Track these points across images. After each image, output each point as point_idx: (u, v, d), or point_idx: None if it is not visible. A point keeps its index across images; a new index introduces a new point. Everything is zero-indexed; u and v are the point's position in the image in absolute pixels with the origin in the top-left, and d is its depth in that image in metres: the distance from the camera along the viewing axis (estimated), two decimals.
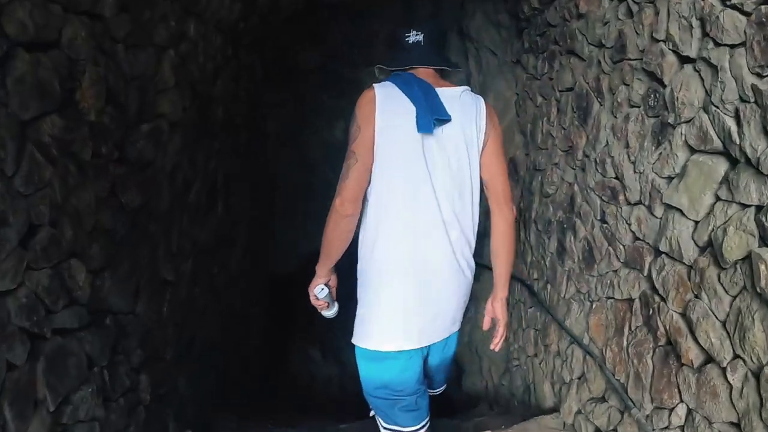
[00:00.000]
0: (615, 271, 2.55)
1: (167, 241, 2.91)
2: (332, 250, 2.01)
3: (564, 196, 3.12)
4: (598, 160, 2.67)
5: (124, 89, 2.39)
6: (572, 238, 3.01)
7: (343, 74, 4.99)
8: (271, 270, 5.19)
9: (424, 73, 2.06)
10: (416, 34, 2.08)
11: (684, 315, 1.96)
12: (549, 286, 3.42)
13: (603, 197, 2.62)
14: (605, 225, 2.61)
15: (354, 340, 2.06)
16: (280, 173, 5.08)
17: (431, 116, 1.88)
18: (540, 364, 3.50)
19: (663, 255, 2.10)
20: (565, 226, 3.11)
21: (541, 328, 3.54)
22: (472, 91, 2.09)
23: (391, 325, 1.99)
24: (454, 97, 1.98)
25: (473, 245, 2.11)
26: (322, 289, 2.12)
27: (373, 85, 2.05)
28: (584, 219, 2.86)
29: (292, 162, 5.05)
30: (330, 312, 2.21)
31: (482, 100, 2.06)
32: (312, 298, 2.15)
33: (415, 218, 1.93)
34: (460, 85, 2.08)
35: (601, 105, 2.65)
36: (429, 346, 2.08)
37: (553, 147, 3.28)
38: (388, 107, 1.93)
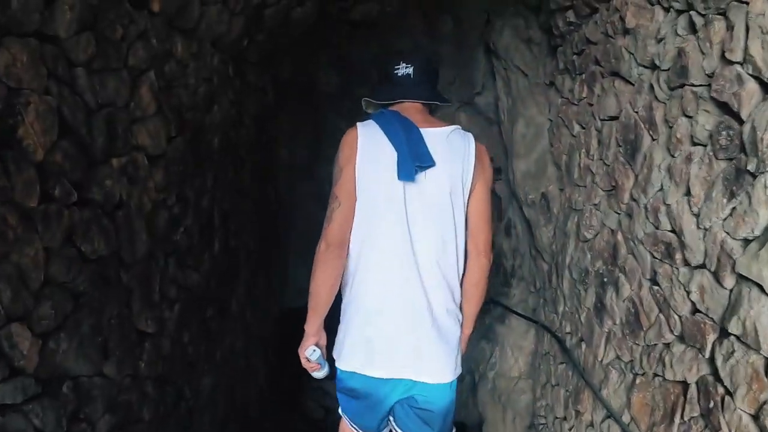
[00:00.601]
0: (667, 345, 2.09)
1: (145, 290, 2.55)
2: (320, 300, 1.99)
3: (605, 244, 2.67)
4: (649, 206, 2.21)
5: (85, 121, 2.04)
6: (614, 295, 2.55)
7: (363, 95, 4.60)
8: (283, 306, 4.82)
9: (412, 108, 2.02)
10: (406, 67, 2.02)
11: (757, 419, 1.51)
12: (584, 345, 2.96)
13: (655, 253, 2.16)
14: (656, 287, 2.15)
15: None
16: (293, 206, 4.72)
17: (413, 163, 1.83)
18: (570, 430, 3.04)
19: (732, 338, 1.64)
20: (605, 279, 2.65)
21: (572, 390, 3.07)
22: (461, 129, 2.05)
23: (355, 348, 1.96)
24: (440, 137, 1.94)
25: (457, 292, 2.03)
26: (314, 350, 2.07)
27: (357, 124, 2.01)
28: (630, 275, 2.40)
29: (306, 194, 4.68)
30: (321, 373, 2.16)
31: (472, 139, 2.01)
32: (303, 361, 2.11)
33: (391, 265, 1.90)
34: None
35: (654, 140, 2.21)
36: (411, 393, 2.01)
37: (593, 185, 2.83)
38: (369, 151, 1.89)
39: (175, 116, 2.70)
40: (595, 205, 2.81)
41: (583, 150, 2.99)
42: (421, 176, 1.87)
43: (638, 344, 2.35)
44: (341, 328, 2.04)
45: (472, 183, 1.95)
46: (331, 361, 2.10)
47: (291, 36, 3.97)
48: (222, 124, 3.31)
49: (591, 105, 2.92)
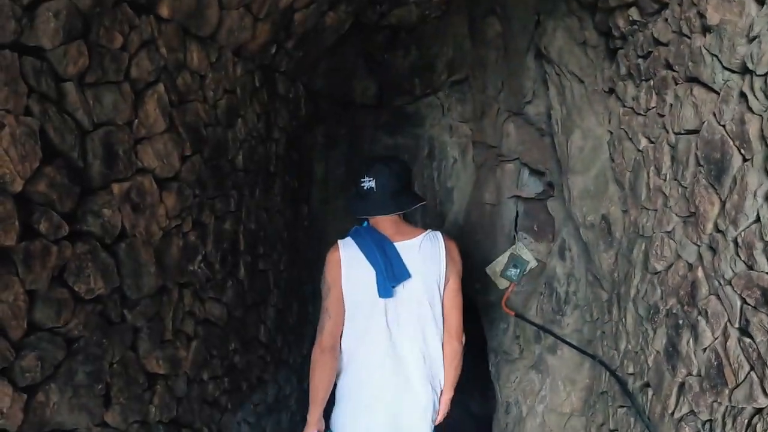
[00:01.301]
0: (759, 411, 1.71)
1: (155, 328, 2.30)
2: (318, 394, 2.38)
3: (680, 279, 2.28)
4: (741, 241, 1.82)
5: (76, 143, 1.79)
6: (691, 341, 2.16)
7: (402, 107, 4.31)
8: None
9: (383, 222, 2.32)
10: (369, 180, 2.29)
11: None
12: (650, 392, 2.57)
13: (748, 298, 1.77)
14: (748, 339, 1.76)
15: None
16: (327, 223, 4.43)
17: (390, 283, 2.16)
18: None
19: None
20: (680, 321, 2.26)
21: None
22: (432, 232, 2.37)
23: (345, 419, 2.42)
24: (413, 249, 2.25)
25: (441, 380, 2.42)
26: None
27: (338, 242, 2.38)
28: (713, 321, 2.01)
29: (341, 210, 4.39)
30: None
31: (441, 241, 2.30)
32: None
33: (379, 363, 2.29)
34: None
35: (747, 160, 1.82)
36: None
37: (665, 209, 2.44)
38: (351, 273, 2.25)
39: (190, 133, 2.45)
40: (668, 232, 2.42)
41: (653, 167, 2.60)
42: (399, 288, 2.21)
43: (721, 403, 1.96)
44: (337, 413, 2.47)
45: (445, 279, 2.28)
46: None
47: (324, 43, 3.70)
48: (247, 140, 3.05)
49: (661, 116, 2.53)
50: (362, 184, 2.30)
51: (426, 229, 2.39)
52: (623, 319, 2.94)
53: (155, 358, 2.32)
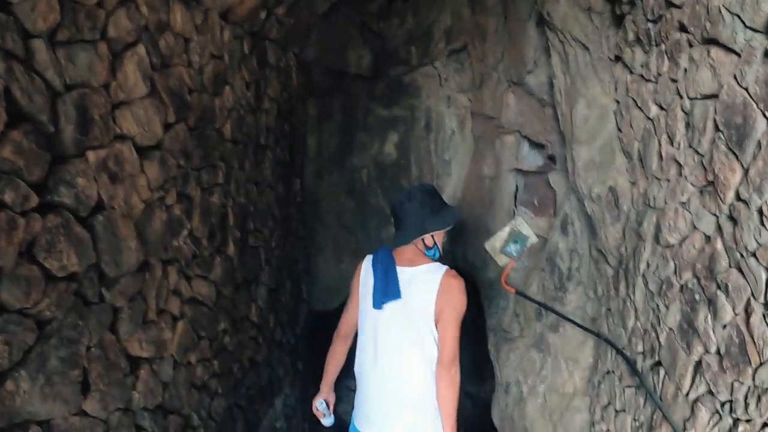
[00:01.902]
0: None
1: (137, 308, 2.15)
2: (329, 372, 2.72)
3: (696, 252, 2.14)
4: (765, 210, 1.69)
5: (46, 105, 1.63)
6: (710, 317, 2.03)
7: (398, 77, 4.13)
8: (313, 309, 4.41)
9: (403, 249, 2.52)
10: (395, 216, 2.53)
11: None
12: (662, 371, 2.46)
13: None
14: None
15: None
16: (321, 199, 4.28)
17: (381, 297, 2.43)
18: None
19: None
20: (697, 297, 2.13)
21: (644, 422, 2.58)
22: (440, 265, 2.54)
23: (358, 416, 2.61)
24: (412, 275, 2.46)
25: (421, 409, 2.55)
26: (321, 402, 2.72)
27: (366, 256, 2.62)
28: (734, 295, 1.88)
29: (336, 186, 4.24)
30: (326, 421, 2.76)
31: (441, 273, 2.47)
32: (314, 409, 2.74)
33: (371, 367, 2.53)
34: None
35: None
36: None
37: (679, 179, 2.30)
38: (364, 282, 2.55)
39: (173, 99, 2.28)
40: (683, 203, 2.28)
41: (665, 136, 2.46)
42: (390, 305, 2.42)
43: (743, 382, 1.84)
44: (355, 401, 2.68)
45: (435, 309, 2.40)
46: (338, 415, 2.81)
47: (316, 11, 3.51)
48: (236, 109, 2.88)
49: (675, 81, 2.38)
50: (395, 214, 2.53)
51: (439, 262, 2.57)
52: (631, 296, 2.81)
53: (138, 340, 2.18)
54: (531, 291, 3.85)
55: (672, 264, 2.39)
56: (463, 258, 4.21)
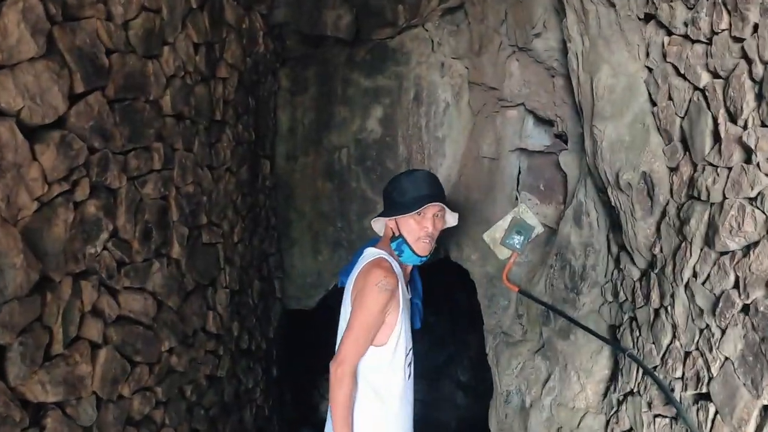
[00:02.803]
0: None
1: (33, 344, 1.60)
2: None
3: None
4: None
5: None
6: None
7: (382, 41, 3.55)
8: (286, 308, 3.88)
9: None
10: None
11: None
12: (711, 408, 1.98)
13: None
14: None
15: None
16: (294, 185, 3.71)
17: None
18: None
19: None
20: None
21: None
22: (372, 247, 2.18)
23: None
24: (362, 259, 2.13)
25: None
26: None
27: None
28: None
29: (311, 168, 3.67)
30: None
31: (366, 260, 2.07)
32: None
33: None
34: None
35: None
36: None
37: (747, 167, 1.77)
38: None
39: (81, 62, 1.71)
40: (751, 199, 1.76)
41: (722, 111, 1.93)
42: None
43: None
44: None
45: (351, 298, 2.04)
46: None
47: None
48: (179, 77, 2.31)
49: (739, 40, 1.85)
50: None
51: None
52: (668, 308, 2.30)
53: (39, 382, 1.64)
54: (537, 290, 3.34)
55: (733, 276, 1.88)
56: (458, 250, 3.69)
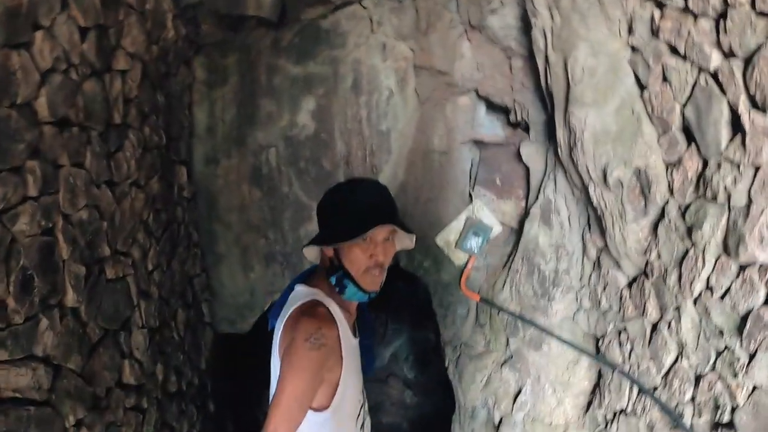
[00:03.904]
0: None
1: None
2: None
3: None
4: None
5: None
6: None
7: (314, 21, 3.07)
8: (217, 333, 3.36)
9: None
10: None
11: None
12: None
13: None
14: None
15: None
16: (216, 193, 3.17)
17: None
18: None
19: None
20: None
21: None
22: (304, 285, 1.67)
23: None
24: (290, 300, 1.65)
25: None
26: None
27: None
28: None
29: (235, 173, 3.15)
30: None
31: (293, 303, 1.58)
32: None
33: None
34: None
35: None
36: None
37: None
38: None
39: None
40: None
41: (743, 97, 1.61)
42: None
43: None
44: None
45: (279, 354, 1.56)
46: None
47: None
48: (58, 71, 1.76)
49: (763, 15, 1.53)
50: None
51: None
52: (671, 323, 2.00)
53: None
54: (501, 298, 3.00)
55: (764, 293, 1.57)
56: (408, 257, 3.29)
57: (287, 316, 1.55)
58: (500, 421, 3.16)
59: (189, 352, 2.95)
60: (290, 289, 1.68)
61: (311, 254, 1.70)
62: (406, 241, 1.72)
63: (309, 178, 3.14)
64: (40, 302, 1.65)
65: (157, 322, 2.52)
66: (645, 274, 2.17)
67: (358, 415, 1.65)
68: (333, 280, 1.58)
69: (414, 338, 5.34)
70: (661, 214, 2.02)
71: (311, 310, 1.52)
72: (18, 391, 1.57)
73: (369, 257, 1.56)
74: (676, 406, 2.03)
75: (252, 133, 3.14)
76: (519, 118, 3.00)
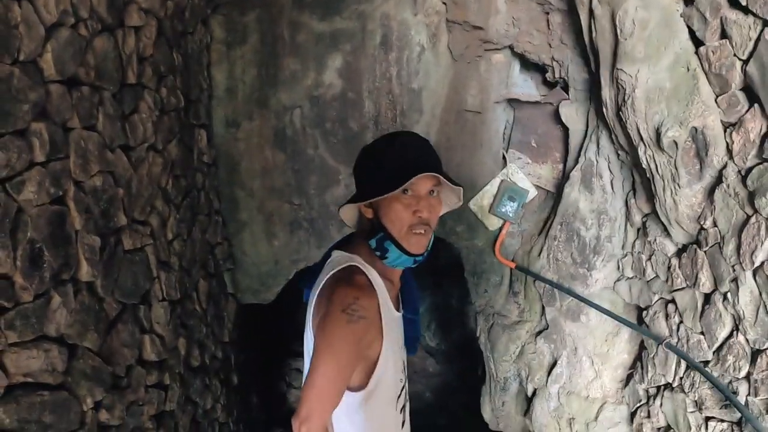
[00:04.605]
0: None
1: None
2: None
3: None
4: None
5: None
6: None
7: None
8: (240, 304, 3.28)
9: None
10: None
11: None
12: None
13: None
14: None
15: None
16: (238, 157, 3.05)
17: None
18: None
19: None
20: None
21: None
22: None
23: None
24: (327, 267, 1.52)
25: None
26: None
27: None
28: None
29: (258, 136, 3.02)
30: None
31: (330, 269, 1.43)
32: None
33: None
34: None
35: None
36: None
37: None
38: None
39: None
40: None
41: None
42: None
43: None
44: None
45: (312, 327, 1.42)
46: None
47: None
48: (65, 27, 1.63)
49: None
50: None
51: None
52: (727, 295, 1.84)
53: None
54: (538, 266, 2.86)
55: None
56: (440, 222, 3.14)
57: (321, 285, 1.41)
58: (533, 394, 3.05)
59: (212, 325, 2.87)
60: (327, 255, 1.53)
61: (348, 217, 1.54)
62: (452, 198, 1.53)
63: (335, 140, 3.00)
64: (51, 278, 1.56)
65: (178, 294, 2.43)
66: (697, 242, 2.01)
67: (399, 396, 1.51)
68: (373, 243, 1.41)
69: (437, 304, 5.24)
70: (719, 179, 1.85)
71: (348, 278, 1.37)
72: (30, 375, 1.48)
73: (412, 213, 1.38)
74: (730, 382, 1.89)
75: (275, 93, 2.99)
76: (557, 76, 2.80)
